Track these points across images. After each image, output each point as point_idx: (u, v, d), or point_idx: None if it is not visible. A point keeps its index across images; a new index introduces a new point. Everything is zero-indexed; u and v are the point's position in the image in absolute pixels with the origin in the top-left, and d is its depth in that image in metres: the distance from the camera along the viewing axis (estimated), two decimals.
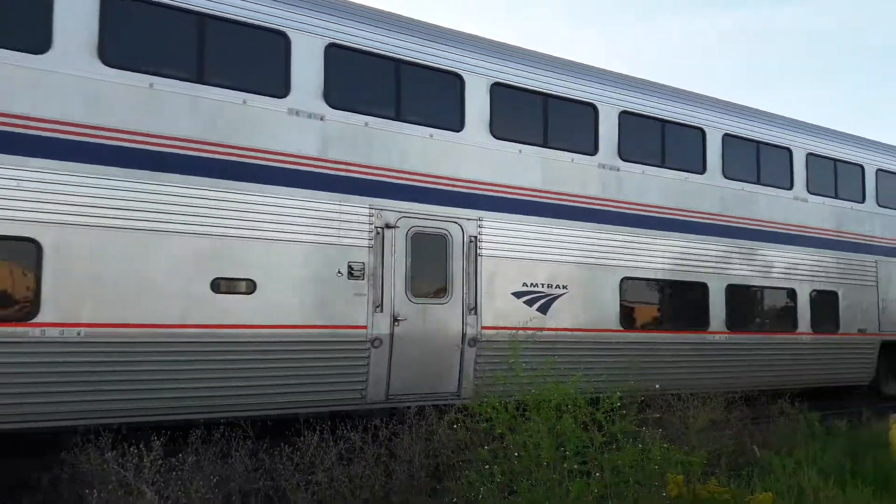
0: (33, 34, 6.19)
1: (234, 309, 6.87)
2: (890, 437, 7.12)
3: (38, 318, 6.02)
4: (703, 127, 10.61)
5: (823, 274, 11.93)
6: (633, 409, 5.82)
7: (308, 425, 6.29)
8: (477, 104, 8.54)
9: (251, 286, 6.97)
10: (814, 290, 11.72)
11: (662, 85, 10.61)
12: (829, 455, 6.81)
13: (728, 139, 10.87)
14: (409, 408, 7.20)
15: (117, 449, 5.34)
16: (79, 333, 6.15)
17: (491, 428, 5.63)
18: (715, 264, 10.55)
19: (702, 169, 10.57)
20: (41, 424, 6.15)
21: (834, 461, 6.59)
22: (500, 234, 8.57)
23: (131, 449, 5.23)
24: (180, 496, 5.12)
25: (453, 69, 8.42)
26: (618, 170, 9.65)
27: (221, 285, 6.83)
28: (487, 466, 5.27)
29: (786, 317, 11.43)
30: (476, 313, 8.30)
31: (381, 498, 5.91)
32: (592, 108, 9.51)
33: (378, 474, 6.00)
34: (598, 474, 5.11)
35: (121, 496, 5.04)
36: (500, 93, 8.73)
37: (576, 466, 5.14)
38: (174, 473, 5.28)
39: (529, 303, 8.73)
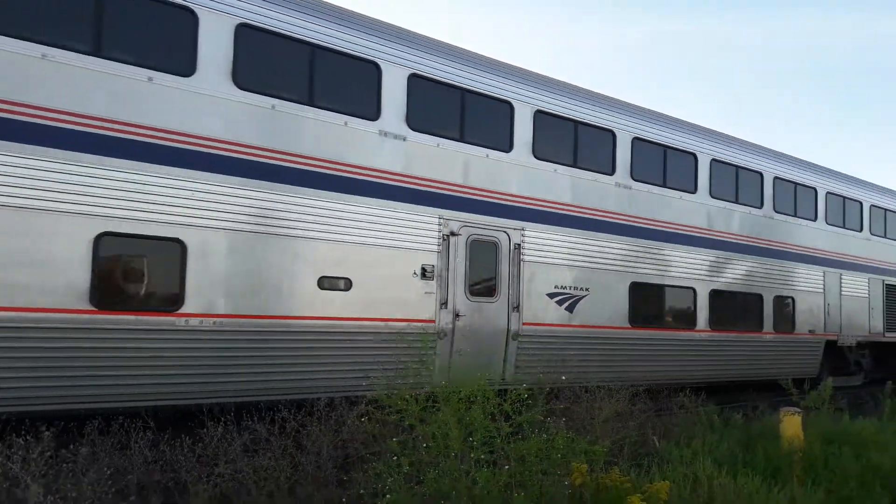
0: (182, 60, 7.05)
1: (335, 303, 7.93)
2: (780, 430, 7.34)
3: (183, 309, 6.92)
4: (695, 153, 12.24)
5: (784, 282, 13.84)
6: (541, 400, 6.04)
7: (212, 416, 6.37)
8: (524, 128, 9.82)
9: (348, 284, 8.03)
10: (776, 296, 13.62)
11: (665, 115, 12.17)
12: (724, 446, 7.11)
13: (714, 163, 12.56)
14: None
15: (4, 440, 5.19)
16: (214, 323, 7.09)
17: (401, 420, 5.66)
18: (701, 272, 12.21)
19: (694, 189, 12.20)
20: (176, 403, 7.04)
21: (728, 452, 6.92)
22: (538, 242, 9.89)
23: (18, 440, 5.04)
24: (70, 489, 4.94)
25: (506, 98, 9.66)
26: (630, 188, 11.14)
27: (325, 283, 7.86)
28: (396, 458, 5.26)
29: (755, 318, 13.25)
30: (518, 311, 9.59)
31: (286, 490, 5.83)
32: (612, 134, 10.95)
33: (284, 466, 5.91)
34: (507, 466, 5.18)
35: (4, 489, 4.90)
36: (542, 119, 10.04)
37: (483, 456, 5.19)
38: (66, 465, 5.15)
39: (560, 303, 10.09)
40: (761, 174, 13.56)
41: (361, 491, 5.33)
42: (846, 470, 6.56)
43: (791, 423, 7.23)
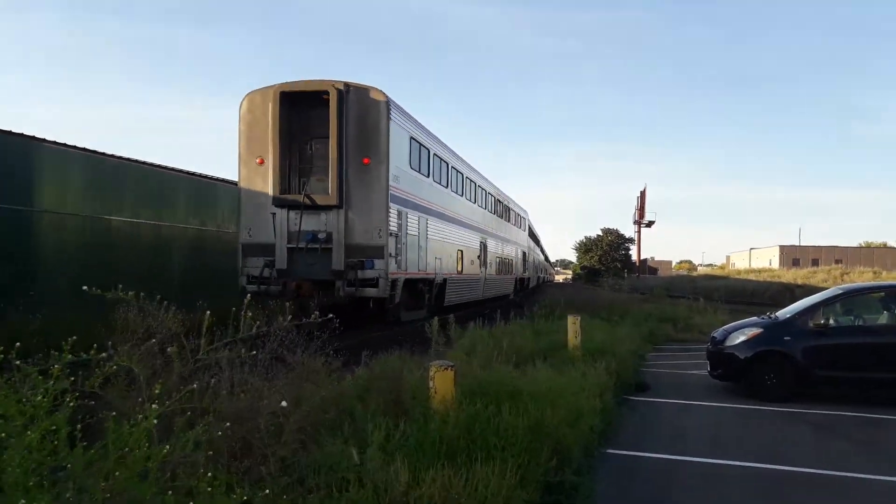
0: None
1: (466, 269, 23.97)
2: (433, 389, 5.97)
3: (482, 271, 22.61)
4: (510, 204, 30.86)
5: (512, 254, 33.59)
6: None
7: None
8: (499, 209, 26.94)
9: (477, 261, 24.18)
10: (509, 259, 33.27)
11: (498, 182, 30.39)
12: (379, 427, 5.28)
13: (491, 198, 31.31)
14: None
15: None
16: (485, 276, 22.81)
17: None
18: (499, 252, 30.90)
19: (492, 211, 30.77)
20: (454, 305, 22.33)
21: (383, 435, 5.20)
22: (490, 244, 27.10)
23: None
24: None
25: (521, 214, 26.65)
26: (500, 221, 29.07)
27: (469, 262, 23.89)
28: None
29: (506, 268, 32.60)
30: (487, 271, 26.72)
31: None
32: (524, 218, 28.74)
33: None
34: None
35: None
36: (501, 208, 27.28)
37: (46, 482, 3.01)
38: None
39: (496, 267, 27.60)
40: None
41: None
42: (515, 437, 5.39)
43: (443, 380, 5.95)
